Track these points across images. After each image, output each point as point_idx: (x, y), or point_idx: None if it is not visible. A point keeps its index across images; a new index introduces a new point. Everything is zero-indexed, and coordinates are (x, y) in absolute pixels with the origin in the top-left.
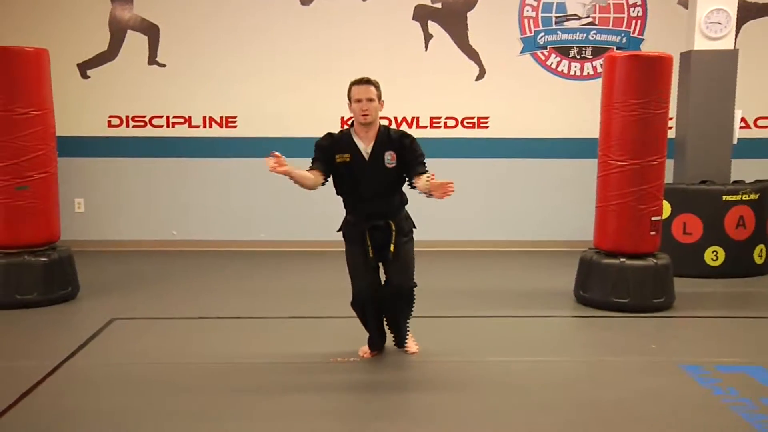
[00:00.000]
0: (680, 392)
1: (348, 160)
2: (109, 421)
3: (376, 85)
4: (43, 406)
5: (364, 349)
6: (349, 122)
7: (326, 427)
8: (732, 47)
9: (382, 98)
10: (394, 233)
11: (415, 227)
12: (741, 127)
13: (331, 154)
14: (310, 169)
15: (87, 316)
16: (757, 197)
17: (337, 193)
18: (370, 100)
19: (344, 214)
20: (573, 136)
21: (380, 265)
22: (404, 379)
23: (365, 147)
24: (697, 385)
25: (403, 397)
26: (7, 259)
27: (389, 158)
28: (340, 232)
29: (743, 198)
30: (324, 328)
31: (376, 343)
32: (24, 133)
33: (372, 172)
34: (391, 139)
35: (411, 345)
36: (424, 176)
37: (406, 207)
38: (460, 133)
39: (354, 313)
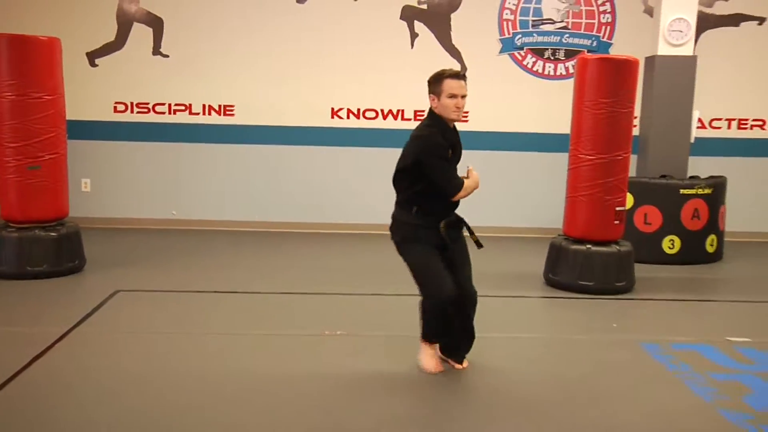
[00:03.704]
0: (639, 367)
1: (451, 155)
2: (115, 382)
3: (466, 80)
4: (54, 368)
5: (430, 363)
6: (428, 114)
7: (313, 389)
8: (691, 53)
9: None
10: (466, 223)
11: None
12: (698, 127)
13: (448, 153)
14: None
15: (93, 288)
16: (710, 191)
17: (414, 193)
18: (464, 96)
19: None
20: (546, 131)
21: None
22: (385, 352)
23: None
24: (654, 361)
25: (384, 368)
26: (19, 233)
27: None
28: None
29: (698, 192)
30: (315, 303)
31: (449, 345)
32: (37, 116)
33: (456, 167)
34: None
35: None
36: None
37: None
38: None
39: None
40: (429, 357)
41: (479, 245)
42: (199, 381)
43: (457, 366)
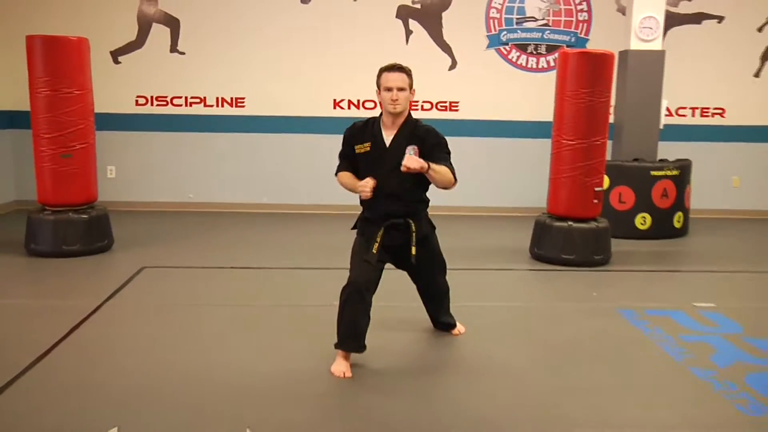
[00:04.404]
0: (617, 331)
1: (368, 149)
2: (146, 349)
3: (409, 73)
4: (92, 336)
5: (338, 368)
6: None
7: (321, 353)
8: (660, 48)
9: (414, 86)
10: (414, 233)
11: (434, 227)
12: (666, 115)
13: (351, 147)
14: (343, 170)
15: (121, 265)
16: (678, 173)
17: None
18: (401, 89)
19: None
20: (531, 119)
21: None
22: (387, 320)
23: (387, 136)
24: (630, 325)
25: (379, 334)
26: (55, 216)
27: (411, 152)
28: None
29: (667, 173)
30: (320, 277)
31: (351, 342)
32: (68, 110)
33: (390, 165)
34: (417, 133)
35: (460, 327)
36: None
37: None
38: (435, 114)
39: (345, 265)
40: (337, 364)
41: (413, 257)
42: (219, 346)
43: (453, 332)
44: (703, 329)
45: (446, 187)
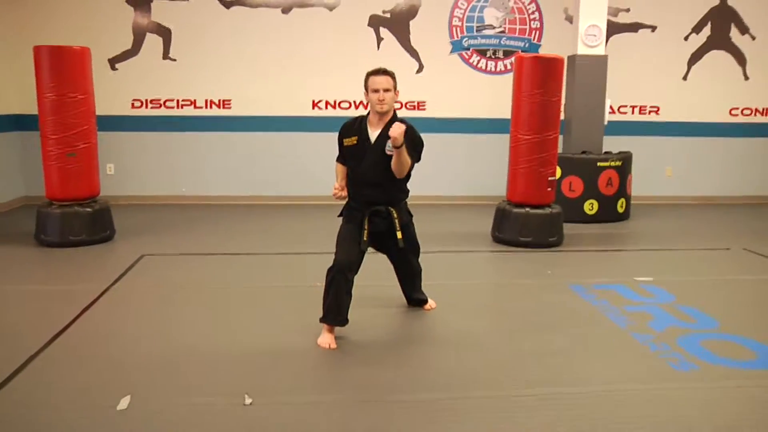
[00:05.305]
0: (569, 303)
1: (354, 143)
2: (147, 328)
3: (393, 76)
4: (101, 316)
5: (323, 340)
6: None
7: (308, 326)
8: (603, 53)
9: (397, 88)
10: (396, 220)
11: (411, 215)
12: (609, 113)
13: (341, 141)
14: (338, 161)
15: (123, 253)
16: (620, 164)
17: (346, 175)
18: (387, 90)
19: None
20: (490, 117)
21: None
22: (367, 297)
23: (373, 132)
24: (580, 299)
25: (361, 311)
26: (62, 209)
27: (389, 146)
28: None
29: (611, 164)
30: (306, 262)
31: (334, 317)
32: (72, 113)
33: (373, 157)
34: None
35: (431, 303)
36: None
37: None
38: (404, 113)
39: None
40: (323, 336)
41: (400, 244)
42: (216, 323)
43: (426, 307)
44: (642, 300)
45: (400, 172)
